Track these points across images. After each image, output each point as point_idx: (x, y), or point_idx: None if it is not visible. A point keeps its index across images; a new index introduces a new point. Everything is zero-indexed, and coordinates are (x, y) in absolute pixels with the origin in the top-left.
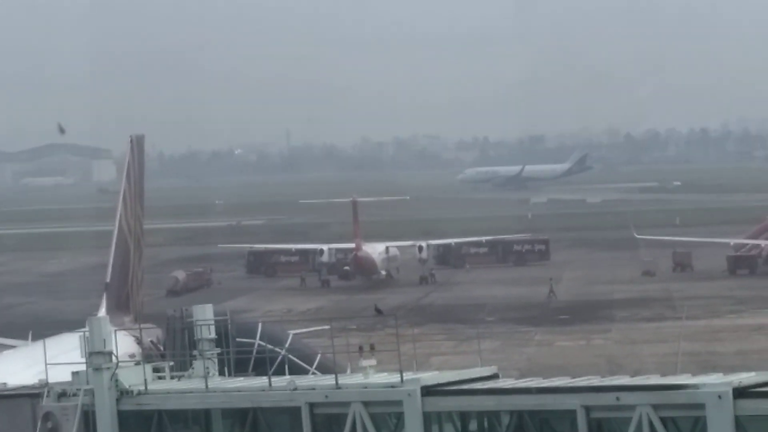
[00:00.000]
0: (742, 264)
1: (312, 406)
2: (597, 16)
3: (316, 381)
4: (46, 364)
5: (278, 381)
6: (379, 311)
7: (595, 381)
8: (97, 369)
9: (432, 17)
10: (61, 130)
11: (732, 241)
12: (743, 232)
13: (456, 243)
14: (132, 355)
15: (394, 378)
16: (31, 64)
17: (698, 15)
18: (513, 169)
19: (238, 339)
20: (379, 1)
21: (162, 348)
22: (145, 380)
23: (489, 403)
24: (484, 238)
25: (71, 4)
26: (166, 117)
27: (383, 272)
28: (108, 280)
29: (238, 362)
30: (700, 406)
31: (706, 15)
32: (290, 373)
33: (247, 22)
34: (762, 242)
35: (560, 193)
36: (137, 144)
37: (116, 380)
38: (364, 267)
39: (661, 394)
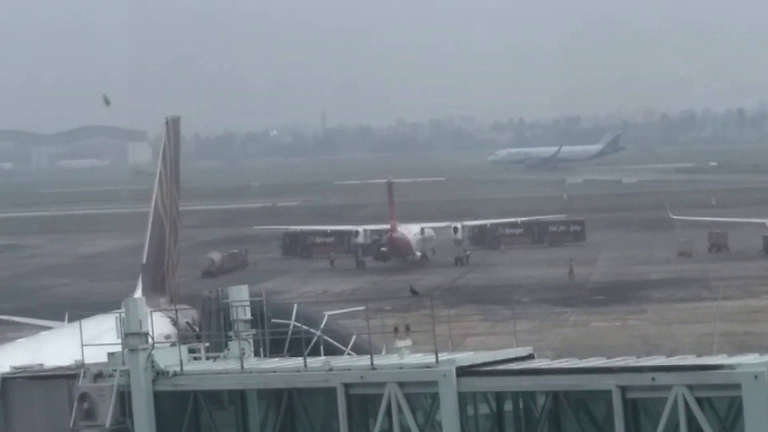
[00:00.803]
0: None
1: (347, 386)
2: None
3: (351, 362)
4: (82, 345)
5: (313, 362)
6: (414, 292)
7: (631, 361)
8: (133, 350)
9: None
10: (107, 101)
11: None
12: None
13: (491, 224)
14: (167, 336)
15: (430, 359)
16: (69, 46)
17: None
18: (545, 150)
19: (273, 320)
20: None
21: (197, 329)
22: (181, 361)
23: (524, 384)
24: (519, 219)
25: None
26: (202, 99)
27: (418, 253)
28: (144, 261)
29: (273, 343)
30: (736, 387)
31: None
32: (325, 354)
33: (283, 3)
34: None
35: (596, 173)
36: (173, 126)
37: (152, 361)
38: (399, 248)
39: (697, 375)
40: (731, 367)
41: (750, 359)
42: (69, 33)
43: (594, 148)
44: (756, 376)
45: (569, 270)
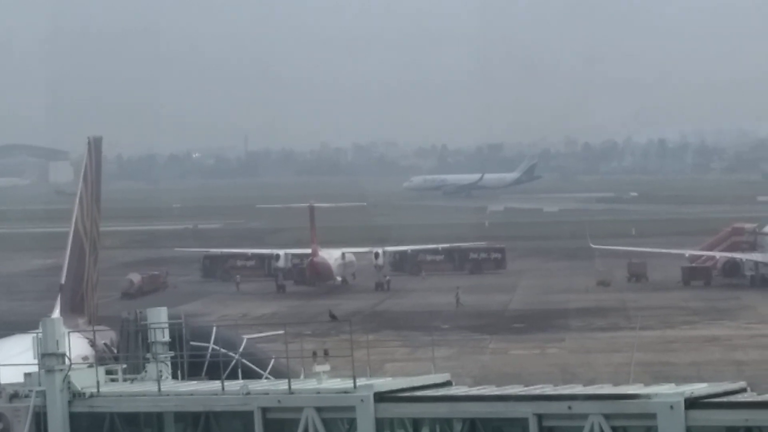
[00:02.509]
0: (696, 275)
1: (265, 410)
2: (555, 24)
3: (269, 386)
4: None
5: (231, 385)
6: (333, 317)
7: (548, 389)
8: (50, 371)
9: (392, 19)
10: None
11: (687, 252)
12: (699, 244)
13: (412, 250)
14: (85, 358)
15: (348, 384)
16: None
17: (656, 26)
18: (462, 177)
19: (192, 342)
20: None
21: (115, 350)
22: (98, 382)
23: (442, 410)
24: (440, 246)
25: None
26: (124, 119)
27: (339, 278)
28: (63, 281)
29: (191, 366)
30: (652, 416)
31: (662, 26)
32: (244, 378)
33: (207, 21)
34: (717, 254)
35: (517, 201)
36: (95, 146)
37: (69, 382)
38: (320, 272)
39: (614, 404)
40: (647, 396)
41: (666, 389)
42: None
43: (510, 176)
44: (671, 406)
45: (456, 298)
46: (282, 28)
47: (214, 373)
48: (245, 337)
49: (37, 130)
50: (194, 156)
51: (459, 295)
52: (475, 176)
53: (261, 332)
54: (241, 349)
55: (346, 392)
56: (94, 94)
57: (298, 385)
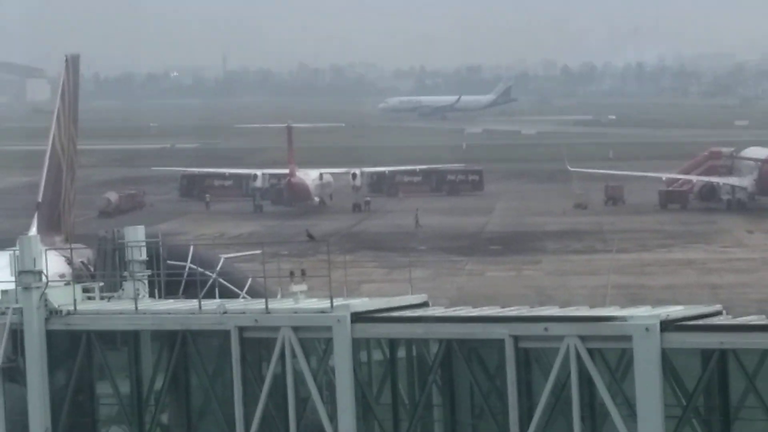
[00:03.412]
0: (673, 199)
1: (241, 330)
2: None
3: (246, 305)
4: None
5: (208, 304)
6: (311, 237)
7: (524, 311)
8: (27, 288)
9: None
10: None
11: (664, 176)
12: (676, 168)
13: (390, 171)
14: (62, 275)
15: (324, 304)
16: None
17: None
18: (437, 99)
19: (169, 261)
20: None
21: (92, 269)
22: (75, 300)
23: (418, 331)
24: (417, 167)
25: None
26: (102, 38)
27: (317, 199)
28: (40, 199)
29: (168, 285)
30: (628, 338)
31: None
32: (220, 297)
33: None
34: (693, 177)
35: (495, 124)
36: (72, 64)
37: (45, 300)
38: (297, 193)
39: (589, 326)
40: (623, 319)
41: (642, 312)
42: None
43: (486, 98)
44: (647, 329)
45: (415, 219)
46: None
47: (191, 293)
48: (222, 256)
49: (15, 47)
50: (172, 75)
51: (417, 216)
52: (451, 98)
53: (238, 252)
54: (218, 269)
55: (323, 312)
56: (72, 11)
57: (275, 304)
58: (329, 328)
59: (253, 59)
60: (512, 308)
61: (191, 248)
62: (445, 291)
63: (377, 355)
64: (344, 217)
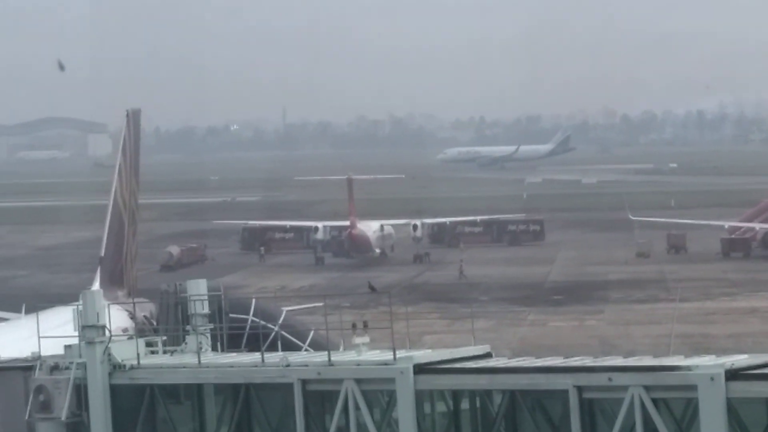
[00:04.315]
0: (736, 247)
1: (304, 382)
2: None
3: (308, 357)
4: (39, 337)
5: (271, 357)
6: (372, 289)
7: (588, 361)
8: (90, 342)
9: None
10: (61, 67)
11: (726, 224)
12: (738, 215)
13: (451, 222)
14: (125, 330)
15: (387, 356)
16: (30, 36)
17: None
18: (496, 149)
19: (231, 315)
20: None
21: (155, 323)
22: (138, 354)
23: (481, 382)
24: (478, 218)
25: None
26: (163, 92)
27: (377, 250)
28: (102, 254)
29: (231, 338)
30: (693, 388)
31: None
32: (283, 350)
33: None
34: (756, 225)
35: (555, 173)
36: (133, 118)
37: (109, 354)
38: (358, 244)
39: (654, 375)
40: (688, 368)
41: (706, 361)
42: (30, 22)
43: (544, 148)
44: (712, 378)
45: (460, 270)
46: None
47: (253, 346)
48: (284, 309)
49: (77, 102)
50: (232, 128)
51: (462, 267)
52: (510, 148)
53: (300, 304)
54: (280, 321)
55: (385, 364)
56: (133, 66)
57: (337, 357)
58: (392, 380)
59: (313, 112)
60: (575, 358)
61: (253, 301)
62: (507, 342)
63: (440, 407)
64: (405, 269)
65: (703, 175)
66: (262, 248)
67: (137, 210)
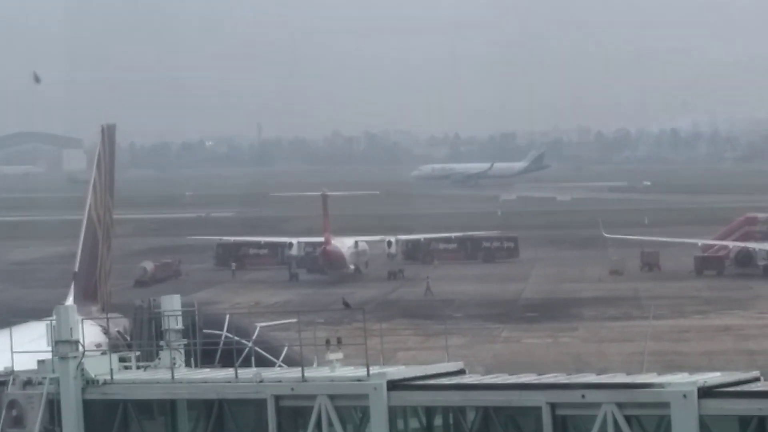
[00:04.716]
0: (709, 265)
1: (278, 398)
2: (568, 13)
3: (282, 374)
4: (12, 352)
5: (244, 373)
6: (346, 305)
7: (561, 378)
8: (64, 358)
9: (405, 6)
10: (37, 79)
11: (700, 242)
12: (711, 233)
13: (425, 239)
14: (99, 345)
15: (361, 372)
16: (2, 51)
17: (673, 13)
18: (470, 166)
19: (205, 330)
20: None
21: (129, 338)
22: (111, 370)
23: (455, 399)
24: (453, 235)
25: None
26: (138, 107)
27: (352, 266)
28: (76, 269)
29: (204, 354)
30: (665, 405)
31: (680, 13)
32: (257, 366)
33: (221, 16)
34: (729, 243)
35: (530, 190)
36: (108, 133)
37: (82, 369)
38: (333, 261)
39: (627, 393)
40: (661, 385)
41: (679, 378)
42: (4, 37)
43: (518, 165)
44: (685, 395)
45: (426, 287)
46: (294, 15)
47: (227, 361)
48: (258, 325)
49: (51, 117)
50: (207, 144)
51: (429, 284)
52: (484, 165)
53: (274, 320)
54: (254, 337)
55: (359, 380)
56: (108, 81)
57: (311, 373)
58: (366, 396)
59: (288, 128)
60: (549, 375)
61: (227, 317)
62: (481, 358)
63: (414, 423)
64: (380, 285)
65: (676, 193)
66: (233, 264)
67: (112, 225)
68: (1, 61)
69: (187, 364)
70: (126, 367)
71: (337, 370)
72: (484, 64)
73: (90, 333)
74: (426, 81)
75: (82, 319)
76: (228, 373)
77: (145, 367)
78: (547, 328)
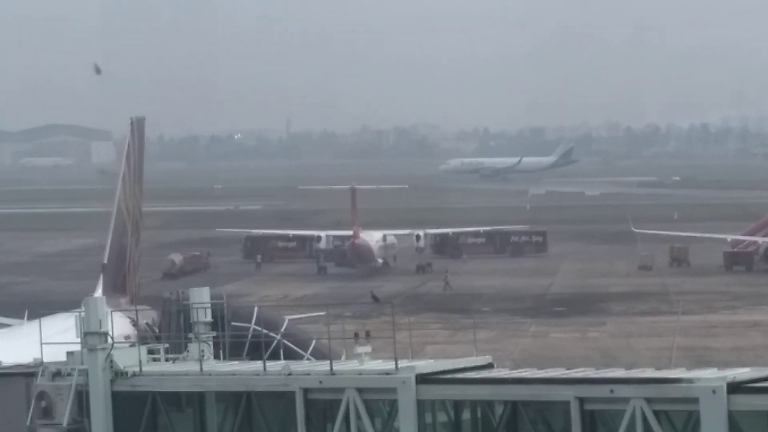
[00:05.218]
0: (738, 260)
1: (306, 391)
2: (598, 9)
3: (310, 366)
4: (41, 344)
5: (273, 366)
6: (375, 298)
7: (590, 373)
8: (92, 349)
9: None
10: (98, 70)
11: (729, 237)
12: (741, 229)
13: (453, 233)
14: (127, 337)
15: (389, 365)
16: (34, 43)
17: (699, 11)
18: (498, 160)
19: (233, 323)
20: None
21: (157, 330)
22: (140, 362)
23: (483, 393)
24: (481, 229)
25: None
26: (167, 100)
27: (380, 260)
28: (105, 261)
29: (233, 346)
30: (694, 401)
31: (706, 11)
32: (285, 358)
33: (249, 10)
34: (759, 239)
35: (558, 185)
36: (137, 126)
37: (111, 361)
38: (361, 254)
39: (655, 388)
40: (690, 381)
41: (708, 374)
42: (34, 30)
43: (547, 160)
44: (714, 391)
45: (445, 281)
46: (323, 10)
47: (255, 354)
48: (287, 317)
49: (80, 109)
50: (236, 137)
51: (447, 278)
52: (513, 160)
53: (302, 313)
54: (282, 330)
55: (387, 374)
56: (138, 74)
57: (339, 366)
58: (394, 390)
59: (317, 121)
60: (577, 370)
61: (255, 310)
62: (509, 353)
63: (442, 417)
64: (408, 279)
65: (705, 188)
66: (258, 257)
67: (140, 217)
68: (30, 54)
69: (216, 357)
70: (154, 359)
71: (365, 364)
72: (514, 59)
73: (119, 325)
74: (455, 76)
75: (111, 311)
76: (256, 365)
77: (174, 360)
78: (575, 322)
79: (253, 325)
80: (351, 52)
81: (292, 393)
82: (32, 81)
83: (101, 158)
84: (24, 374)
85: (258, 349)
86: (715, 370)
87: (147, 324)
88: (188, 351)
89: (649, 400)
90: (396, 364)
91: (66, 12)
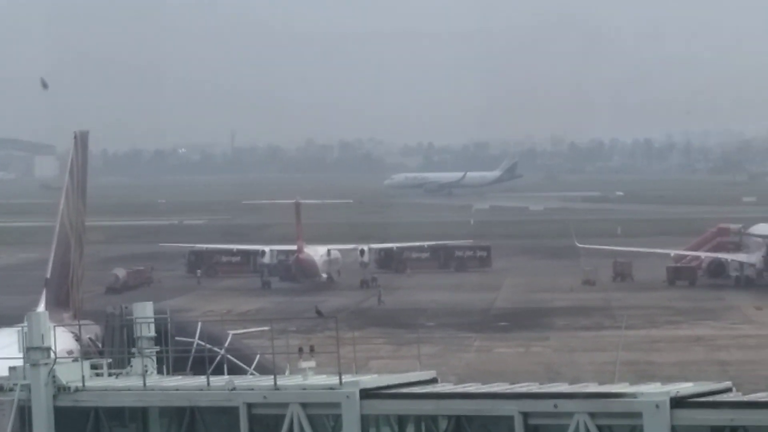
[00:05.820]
0: (681, 275)
1: (250, 406)
2: (544, 25)
3: (254, 381)
4: None
5: (216, 380)
6: (319, 313)
7: (534, 387)
8: (35, 364)
9: (379, 17)
10: (45, 85)
11: (672, 252)
12: (684, 244)
13: (398, 247)
14: (70, 352)
15: (333, 380)
16: None
17: (639, 29)
18: (443, 175)
19: (177, 338)
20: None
21: (100, 345)
22: (83, 377)
23: (427, 407)
24: (426, 243)
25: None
26: (111, 115)
27: (324, 275)
28: (48, 275)
29: (176, 361)
30: (638, 415)
31: (650, 28)
32: (229, 374)
33: (195, 23)
34: (702, 254)
35: (502, 200)
36: (81, 140)
37: (54, 376)
38: (305, 269)
39: (599, 402)
40: (633, 395)
41: (651, 388)
42: None
43: (491, 174)
44: (657, 405)
45: (378, 296)
46: (267, 25)
47: (199, 369)
48: (230, 332)
49: (23, 123)
50: (180, 152)
51: (381, 293)
52: (457, 174)
53: (246, 328)
54: (226, 345)
55: (331, 389)
56: (80, 88)
57: (283, 381)
58: (338, 405)
59: (261, 135)
60: (521, 385)
61: (199, 324)
62: (453, 367)
63: None
64: (352, 294)
65: (649, 203)
66: (198, 271)
67: (84, 232)
68: None
69: (159, 372)
70: (98, 375)
71: (309, 379)
72: (458, 75)
73: (62, 340)
74: (399, 90)
75: (54, 326)
76: (200, 380)
77: (117, 375)
78: (519, 337)
79: (196, 340)
80: (296, 66)
81: (236, 408)
82: None
83: (44, 172)
84: None
85: (202, 364)
86: (658, 384)
87: (90, 339)
88: (131, 366)
89: (592, 415)
90: (340, 379)
91: (8, 24)
